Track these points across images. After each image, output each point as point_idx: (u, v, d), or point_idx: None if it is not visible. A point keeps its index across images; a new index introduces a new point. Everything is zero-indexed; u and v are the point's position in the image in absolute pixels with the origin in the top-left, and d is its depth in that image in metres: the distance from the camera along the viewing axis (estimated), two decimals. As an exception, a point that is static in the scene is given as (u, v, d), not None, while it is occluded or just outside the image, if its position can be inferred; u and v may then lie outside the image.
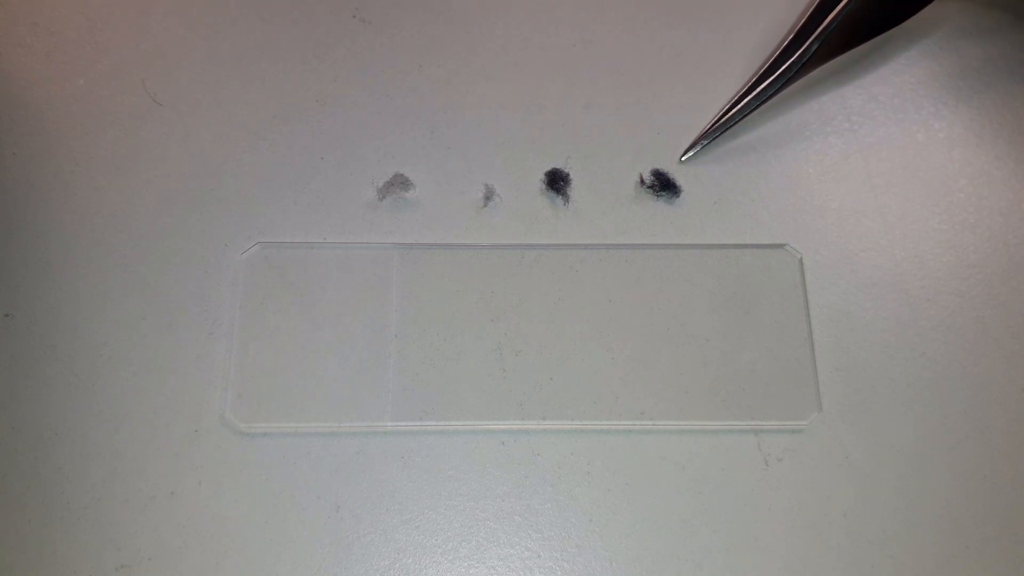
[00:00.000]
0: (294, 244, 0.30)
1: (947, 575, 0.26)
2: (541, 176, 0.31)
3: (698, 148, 0.32)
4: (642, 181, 0.31)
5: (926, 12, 0.34)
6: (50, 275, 0.29)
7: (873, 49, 0.34)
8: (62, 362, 0.28)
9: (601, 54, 0.34)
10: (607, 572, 0.26)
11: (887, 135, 0.32)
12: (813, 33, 0.31)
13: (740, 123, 0.32)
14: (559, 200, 0.31)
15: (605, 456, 0.28)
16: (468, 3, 0.35)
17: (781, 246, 0.30)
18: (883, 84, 0.33)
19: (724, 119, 0.32)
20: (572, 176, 0.31)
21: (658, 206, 0.31)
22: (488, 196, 0.31)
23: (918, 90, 0.33)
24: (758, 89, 0.31)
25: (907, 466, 0.28)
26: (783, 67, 0.31)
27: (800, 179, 0.32)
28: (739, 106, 0.31)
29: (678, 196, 0.31)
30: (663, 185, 0.31)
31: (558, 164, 0.32)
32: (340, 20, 0.34)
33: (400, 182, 0.31)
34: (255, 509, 0.27)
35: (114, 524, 0.26)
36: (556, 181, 0.31)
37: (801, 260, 0.30)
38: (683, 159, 0.32)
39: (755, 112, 0.32)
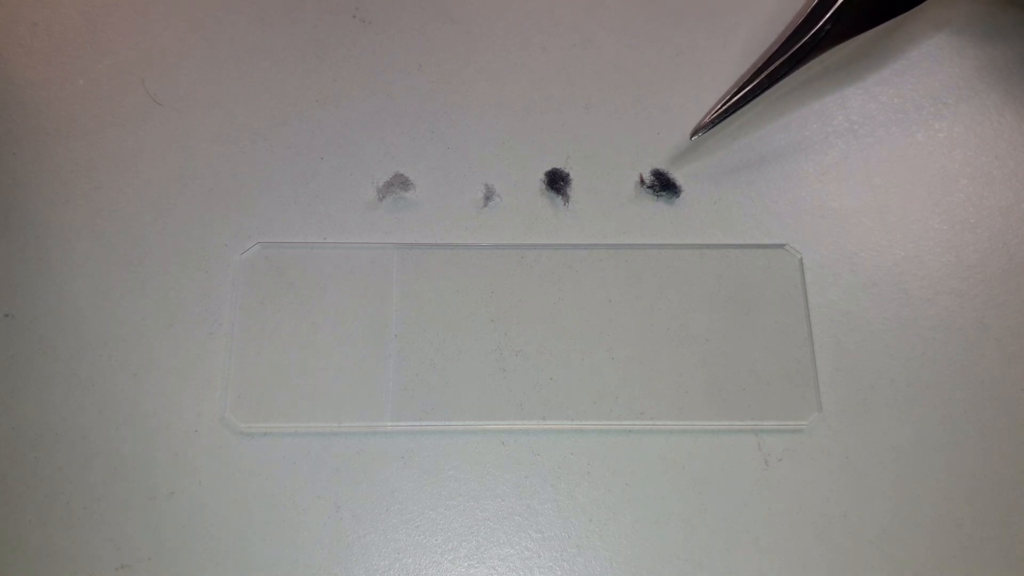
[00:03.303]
0: (294, 244, 0.30)
1: (947, 575, 0.26)
2: (541, 176, 0.31)
3: (708, 129, 0.31)
4: (642, 181, 0.31)
5: (927, 13, 0.34)
6: (50, 275, 0.29)
7: (874, 48, 0.34)
8: (62, 362, 0.28)
9: (601, 54, 0.34)
10: (607, 572, 0.26)
11: (887, 135, 0.32)
12: (828, 11, 0.31)
13: (739, 124, 0.32)
14: (559, 200, 0.31)
15: (605, 456, 0.28)
16: (468, 3, 0.35)
17: (781, 246, 0.30)
18: (883, 84, 0.33)
19: (736, 99, 0.31)
20: (572, 176, 0.31)
21: (658, 206, 0.31)
22: (488, 196, 0.31)
23: (918, 90, 0.33)
24: (770, 68, 0.31)
25: (907, 466, 0.28)
26: (797, 46, 0.31)
27: (800, 179, 0.32)
28: (751, 85, 0.31)
29: (678, 196, 0.31)
30: (663, 185, 0.31)
31: (558, 164, 0.32)
32: (340, 20, 0.34)
33: (400, 182, 0.31)
34: (255, 509, 0.27)
35: (114, 524, 0.26)
36: (556, 181, 0.31)
37: (801, 260, 0.30)
38: (692, 139, 0.32)
39: (756, 107, 0.32)
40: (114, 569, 0.26)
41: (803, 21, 0.32)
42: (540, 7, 0.35)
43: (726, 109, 0.31)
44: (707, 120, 0.31)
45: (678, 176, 0.31)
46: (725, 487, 0.27)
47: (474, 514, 0.27)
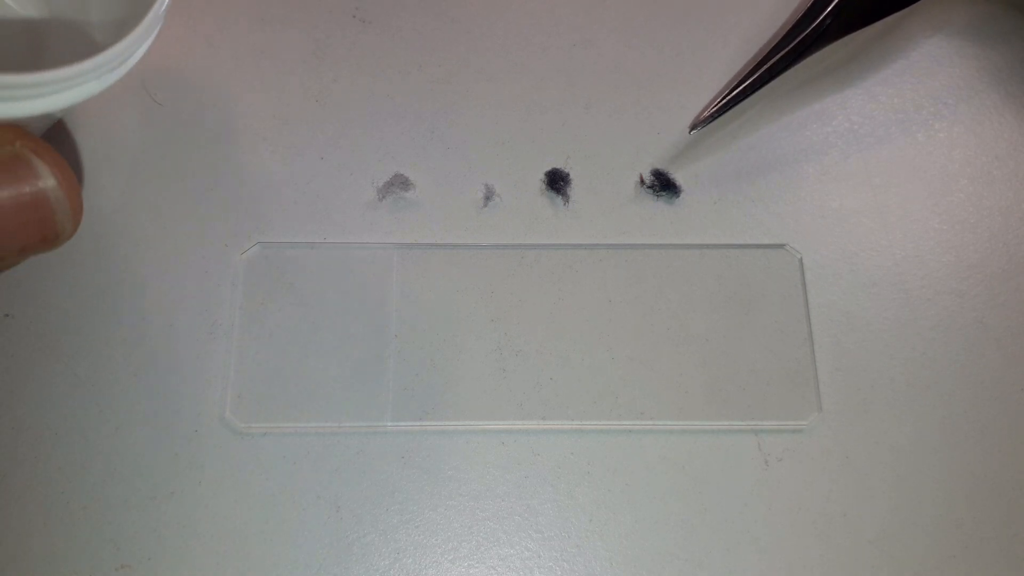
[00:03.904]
0: (294, 244, 0.30)
1: (947, 575, 0.26)
2: (541, 176, 0.31)
3: (707, 123, 0.31)
4: (642, 181, 0.31)
5: (927, 14, 0.34)
6: (50, 275, 0.29)
7: (874, 48, 0.34)
8: (62, 362, 0.28)
9: (601, 54, 0.34)
10: (607, 572, 0.26)
11: (887, 135, 0.32)
12: (828, 5, 0.31)
13: (740, 124, 0.32)
14: (559, 200, 0.31)
15: (605, 456, 0.28)
16: (468, 3, 0.35)
17: (781, 246, 0.30)
18: (883, 84, 0.33)
19: (735, 94, 0.31)
20: (572, 176, 0.31)
21: (658, 206, 0.31)
22: (488, 196, 0.31)
23: (918, 90, 0.33)
24: (770, 63, 0.31)
25: (907, 466, 0.28)
26: (796, 40, 0.31)
27: (800, 179, 0.32)
28: (750, 80, 0.31)
29: (678, 196, 0.31)
30: (663, 185, 0.31)
31: (558, 164, 0.32)
32: (340, 20, 0.34)
33: (400, 182, 0.31)
34: (255, 509, 0.27)
35: (114, 524, 0.26)
36: (556, 181, 0.31)
37: (801, 260, 0.30)
38: (691, 133, 0.32)
39: (756, 108, 0.32)
40: (114, 569, 0.26)
41: (803, 15, 0.32)
42: (540, 7, 0.35)
43: (725, 104, 0.31)
44: (706, 114, 0.31)
45: (678, 176, 0.31)
46: (725, 487, 0.27)
47: (474, 514, 0.27)
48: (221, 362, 0.28)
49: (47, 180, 0.21)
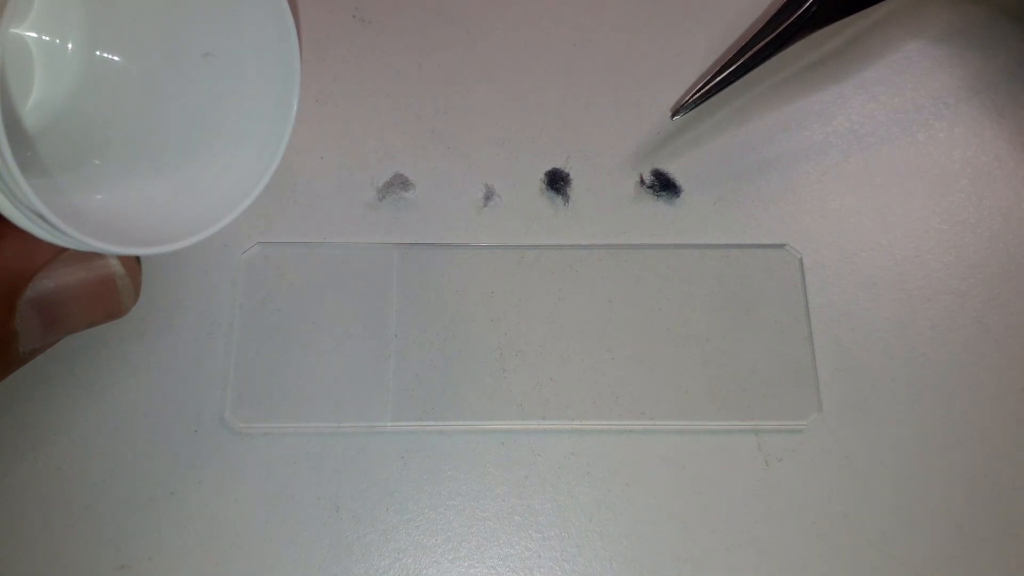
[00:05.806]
0: (294, 244, 0.30)
1: (947, 575, 0.26)
2: (541, 176, 0.31)
3: (690, 109, 0.31)
4: (642, 181, 0.31)
5: (925, 14, 0.34)
6: (50, 275, 0.29)
7: (874, 48, 0.34)
8: (62, 362, 0.28)
9: (601, 54, 0.34)
10: (607, 572, 0.26)
11: (887, 135, 0.32)
12: None
13: (739, 123, 0.32)
14: (559, 200, 0.31)
15: (605, 456, 0.28)
16: (468, 3, 0.35)
17: (781, 246, 0.30)
18: (883, 84, 0.33)
19: (718, 80, 0.30)
20: (572, 176, 0.31)
21: (658, 206, 0.31)
22: (488, 196, 0.31)
23: (918, 90, 0.33)
24: (754, 49, 0.30)
25: (907, 466, 0.28)
26: (783, 27, 0.30)
27: (800, 179, 0.32)
28: (734, 66, 0.30)
29: (678, 196, 0.31)
30: (663, 185, 0.31)
31: (558, 164, 0.32)
32: (340, 20, 0.34)
33: (400, 182, 0.31)
34: (255, 509, 0.27)
35: (114, 524, 0.26)
36: (556, 181, 0.31)
37: (801, 260, 0.30)
38: (673, 119, 0.31)
39: (755, 107, 0.32)
40: (114, 569, 0.26)
41: (788, 1, 0.31)
42: (540, 7, 0.35)
43: (708, 89, 0.30)
44: (688, 100, 0.31)
45: (678, 176, 0.31)
46: (725, 487, 0.27)
47: (474, 514, 0.27)
48: (221, 362, 0.28)
49: (115, 267, 0.25)
